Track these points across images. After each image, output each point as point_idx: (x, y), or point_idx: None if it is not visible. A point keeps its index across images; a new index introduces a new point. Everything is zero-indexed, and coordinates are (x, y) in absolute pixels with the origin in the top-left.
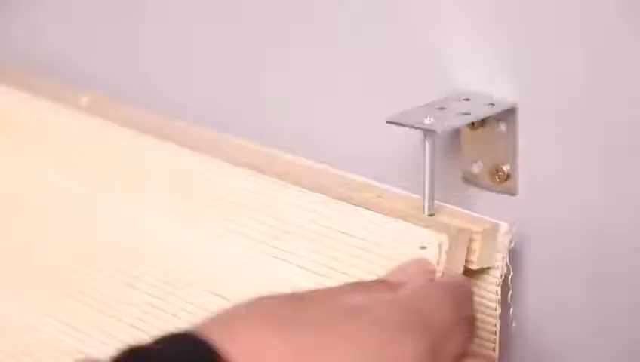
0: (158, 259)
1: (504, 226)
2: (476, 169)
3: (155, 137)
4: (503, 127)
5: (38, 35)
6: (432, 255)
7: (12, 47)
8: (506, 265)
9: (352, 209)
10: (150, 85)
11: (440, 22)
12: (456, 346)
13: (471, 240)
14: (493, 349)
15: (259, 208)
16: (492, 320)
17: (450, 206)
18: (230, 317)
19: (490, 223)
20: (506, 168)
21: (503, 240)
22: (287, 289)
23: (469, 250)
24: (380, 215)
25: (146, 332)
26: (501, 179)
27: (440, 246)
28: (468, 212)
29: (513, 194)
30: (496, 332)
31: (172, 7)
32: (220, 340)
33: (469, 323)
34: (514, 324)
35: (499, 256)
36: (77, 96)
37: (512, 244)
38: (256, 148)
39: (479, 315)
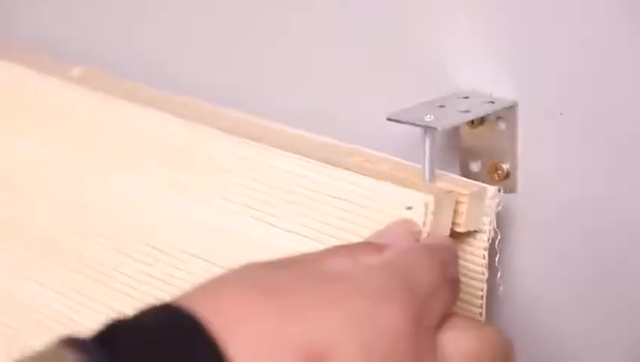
0: (148, 227)
1: (492, 189)
2: (475, 167)
3: (144, 106)
4: (502, 125)
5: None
6: (417, 215)
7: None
8: (494, 228)
9: (338, 172)
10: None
11: (440, 20)
12: (440, 309)
13: (458, 203)
14: (480, 314)
15: (246, 173)
16: (479, 284)
17: (443, 171)
18: (214, 286)
19: (478, 186)
20: (505, 166)
21: (491, 204)
22: (276, 254)
23: (455, 213)
24: (366, 177)
25: (139, 299)
26: (500, 178)
27: (426, 206)
28: (459, 177)
29: (512, 192)
30: (482, 296)
31: None
32: (203, 310)
33: (453, 284)
34: (501, 288)
35: (486, 220)
36: (68, 68)
37: (500, 208)
38: (249, 118)
39: (466, 279)
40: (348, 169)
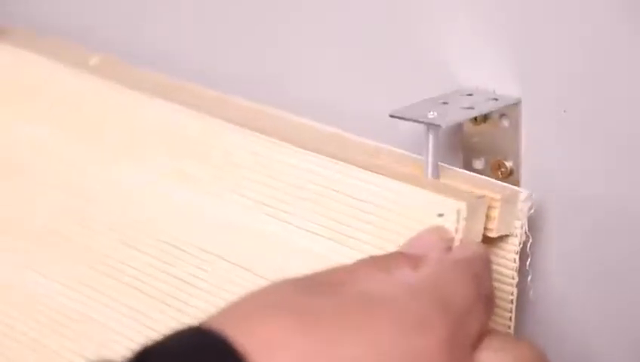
0: (156, 220)
1: (524, 193)
2: (479, 164)
3: (156, 97)
4: (505, 122)
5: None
6: (450, 222)
7: (20, 9)
8: (525, 232)
9: (367, 175)
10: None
11: (443, 17)
12: (476, 327)
13: (489, 207)
14: (510, 318)
15: (262, 170)
16: (509, 289)
17: (463, 170)
18: (247, 309)
19: (510, 189)
20: (508, 164)
21: (523, 207)
22: (291, 253)
23: (487, 217)
24: (395, 181)
25: (147, 293)
26: (504, 175)
27: (458, 213)
28: (483, 177)
29: None
30: (512, 301)
31: None
32: (237, 333)
33: (487, 300)
34: (531, 292)
35: (518, 224)
36: (86, 57)
37: (532, 211)
38: (263, 109)
39: (496, 283)
40: (375, 171)
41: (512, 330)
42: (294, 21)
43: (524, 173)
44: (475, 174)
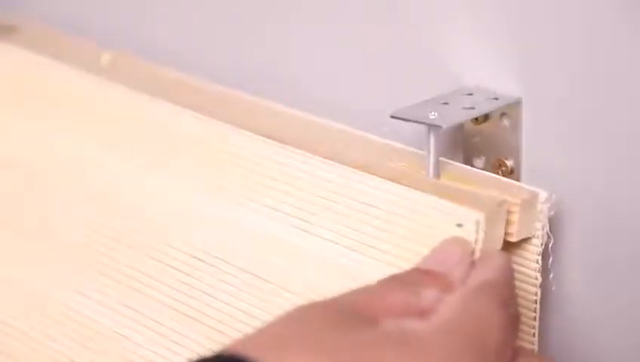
0: (182, 231)
1: (543, 194)
2: (479, 163)
3: (176, 104)
4: (506, 121)
5: None
6: (469, 233)
7: (28, 7)
8: (547, 233)
9: (385, 183)
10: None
11: (443, 17)
12: (508, 355)
13: (509, 212)
14: (534, 318)
15: (280, 178)
16: (533, 289)
17: (475, 169)
18: (279, 339)
19: (529, 192)
20: (509, 163)
21: (542, 209)
22: (309, 261)
23: (507, 222)
24: (414, 190)
25: (147, 294)
26: (504, 174)
27: (477, 223)
28: (494, 175)
29: None
30: (536, 301)
31: None
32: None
33: (514, 318)
34: (553, 288)
35: (538, 225)
36: (98, 55)
37: (552, 212)
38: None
39: (519, 283)
40: (394, 180)
41: (536, 330)
42: (295, 21)
43: (525, 173)
44: (479, 171)
